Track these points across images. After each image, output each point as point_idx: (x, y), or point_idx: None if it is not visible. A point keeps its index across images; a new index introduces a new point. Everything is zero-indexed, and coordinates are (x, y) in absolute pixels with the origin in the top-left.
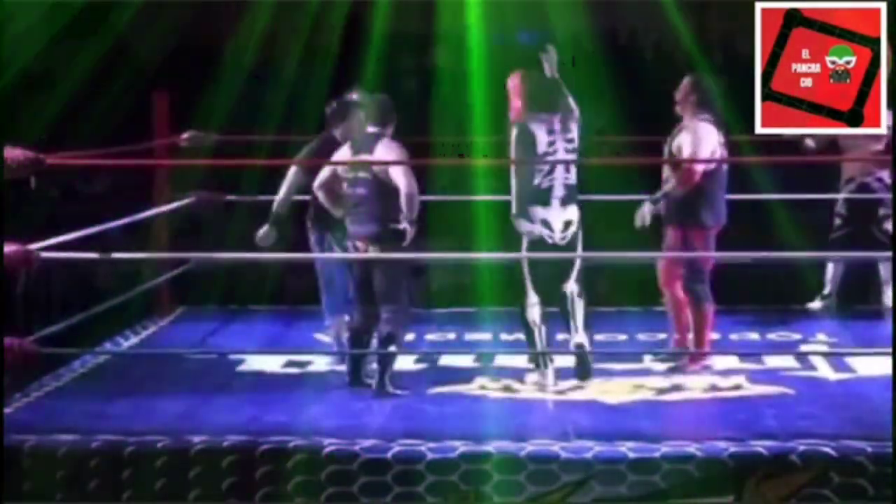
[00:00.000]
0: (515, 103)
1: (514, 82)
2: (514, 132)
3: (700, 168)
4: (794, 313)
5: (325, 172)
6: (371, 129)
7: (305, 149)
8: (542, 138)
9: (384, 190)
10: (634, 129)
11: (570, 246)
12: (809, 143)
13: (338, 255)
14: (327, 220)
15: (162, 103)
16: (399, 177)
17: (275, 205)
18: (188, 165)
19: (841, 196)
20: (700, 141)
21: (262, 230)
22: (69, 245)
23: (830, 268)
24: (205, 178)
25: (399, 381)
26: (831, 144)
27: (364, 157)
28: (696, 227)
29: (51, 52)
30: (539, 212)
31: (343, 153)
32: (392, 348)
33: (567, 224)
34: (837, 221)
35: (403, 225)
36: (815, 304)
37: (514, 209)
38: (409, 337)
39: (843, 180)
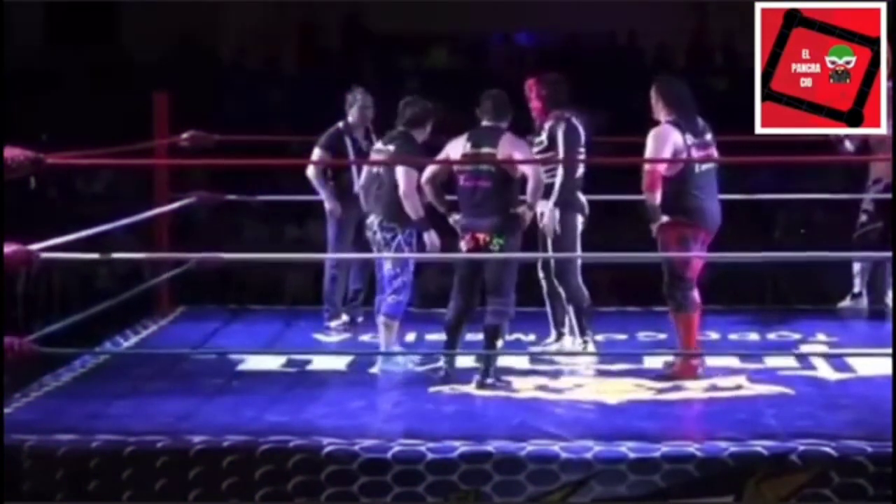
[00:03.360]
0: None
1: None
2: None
3: (660, 172)
4: (793, 313)
5: (435, 166)
6: (486, 123)
7: (319, 146)
8: None
9: (506, 181)
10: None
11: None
12: (848, 145)
13: (339, 255)
14: (402, 218)
15: (162, 104)
16: (530, 171)
17: (416, 213)
18: (188, 166)
19: (868, 196)
20: (657, 145)
21: (430, 238)
22: (69, 245)
23: (857, 266)
24: (205, 178)
25: (501, 376)
26: (862, 144)
27: (487, 150)
28: (672, 228)
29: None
30: None
31: (458, 146)
32: (499, 342)
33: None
34: (863, 218)
35: (522, 208)
36: (846, 304)
37: None
38: (410, 337)
39: (870, 180)
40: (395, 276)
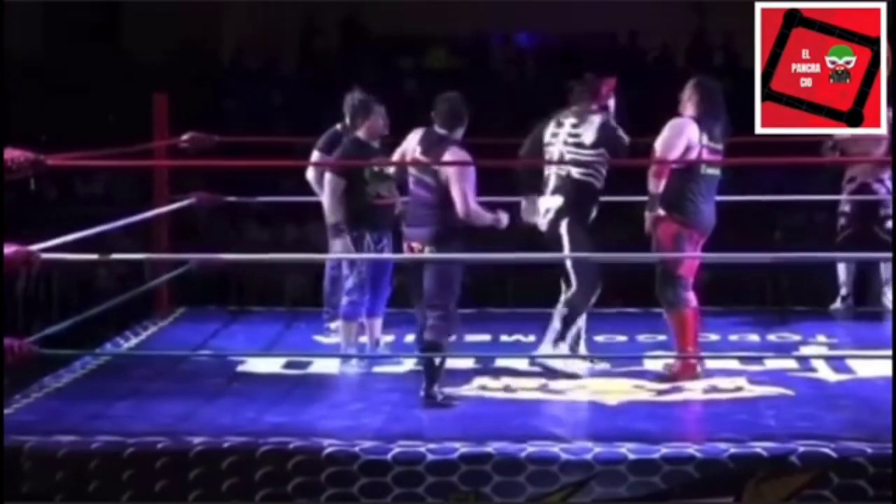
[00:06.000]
0: None
1: None
2: None
3: (670, 160)
4: (793, 314)
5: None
6: (440, 132)
7: (318, 149)
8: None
9: (445, 195)
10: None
11: (551, 234)
12: (828, 143)
13: (344, 254)
14: (366, 220)
15: (161, 104)
16: (457, 194)
17: (330, 216)
18: (188, 167)
19: (842, 197)
20: (672, 135)
21: (337, 246)
22: (69, 246)
23: (842, 269)
24: (205, 179)
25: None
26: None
27: (430, 160)
28: (666, 223)
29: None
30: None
31: (411, 146)
32: (436, 357)
33: (546, 210)
34: (842, 221)
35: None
36: (837, 306)
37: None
38: (410, 337)
39: (845, 180)
40: (345, 277)
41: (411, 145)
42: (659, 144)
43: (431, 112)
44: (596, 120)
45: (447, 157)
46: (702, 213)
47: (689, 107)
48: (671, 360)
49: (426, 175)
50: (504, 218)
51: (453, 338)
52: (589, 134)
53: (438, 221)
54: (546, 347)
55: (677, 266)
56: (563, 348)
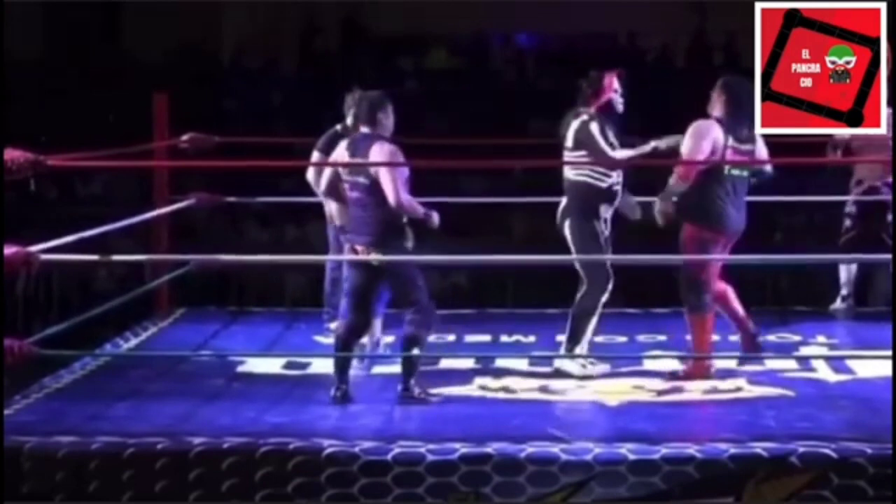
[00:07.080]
0: None
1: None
2: None
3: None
4: (793, 315)
5: (328, 175)
6: (364, 130)
7: (317, 149)
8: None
9: (380, 194)
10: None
11: (561, 235)
12: (832, 143)
13: (339, 256)
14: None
15: (161, 104)
16: (387, 185)
17: (337, 219)
18: (188, 167)
19: (846, 198)
20: (697, 138)
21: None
22: (69, 247)
23: (843, 270)
24: (205, 179)
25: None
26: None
27: (359, 160)
28: (692, 227)
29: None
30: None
31: (340, 154)
32: (415, 351)
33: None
34: (847, 223)
35: (404, 220)
36: (837, 306)
37: None
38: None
39: (853, 181)
40: (345, 278)
41: (339, 153)
42: (683, 149)
43: (355, 116)
44: (574, 123)
45: (375, 150)
46: (729, 216)
47: (716, 107)
48: (675, 362)
49: (359, 176)
50: (435, 217)
51: (452, 337)
52: (569, 136)
53: (378, 223)
54: (564, 349)
55: (700, 271)
56: (583, 349)
